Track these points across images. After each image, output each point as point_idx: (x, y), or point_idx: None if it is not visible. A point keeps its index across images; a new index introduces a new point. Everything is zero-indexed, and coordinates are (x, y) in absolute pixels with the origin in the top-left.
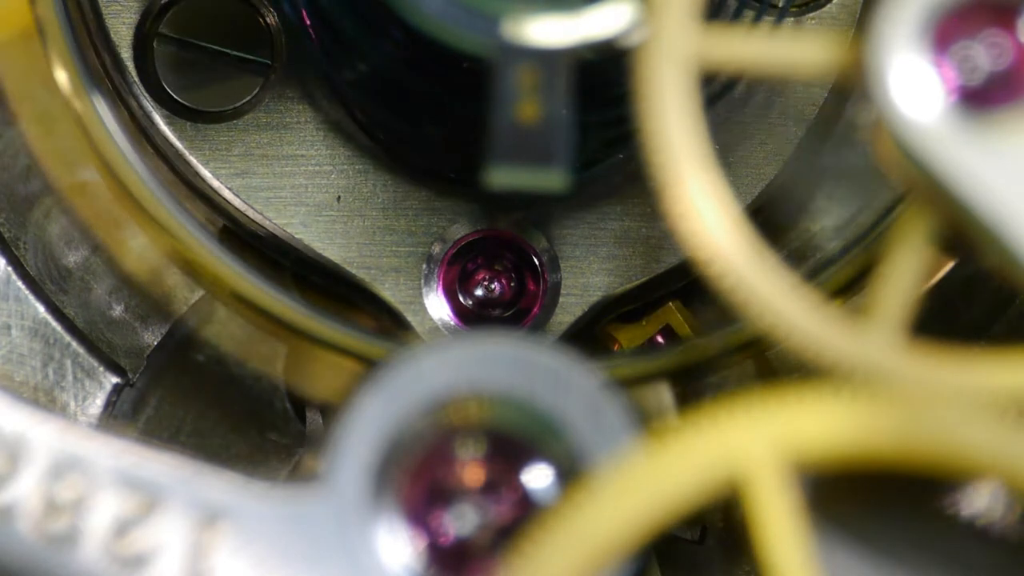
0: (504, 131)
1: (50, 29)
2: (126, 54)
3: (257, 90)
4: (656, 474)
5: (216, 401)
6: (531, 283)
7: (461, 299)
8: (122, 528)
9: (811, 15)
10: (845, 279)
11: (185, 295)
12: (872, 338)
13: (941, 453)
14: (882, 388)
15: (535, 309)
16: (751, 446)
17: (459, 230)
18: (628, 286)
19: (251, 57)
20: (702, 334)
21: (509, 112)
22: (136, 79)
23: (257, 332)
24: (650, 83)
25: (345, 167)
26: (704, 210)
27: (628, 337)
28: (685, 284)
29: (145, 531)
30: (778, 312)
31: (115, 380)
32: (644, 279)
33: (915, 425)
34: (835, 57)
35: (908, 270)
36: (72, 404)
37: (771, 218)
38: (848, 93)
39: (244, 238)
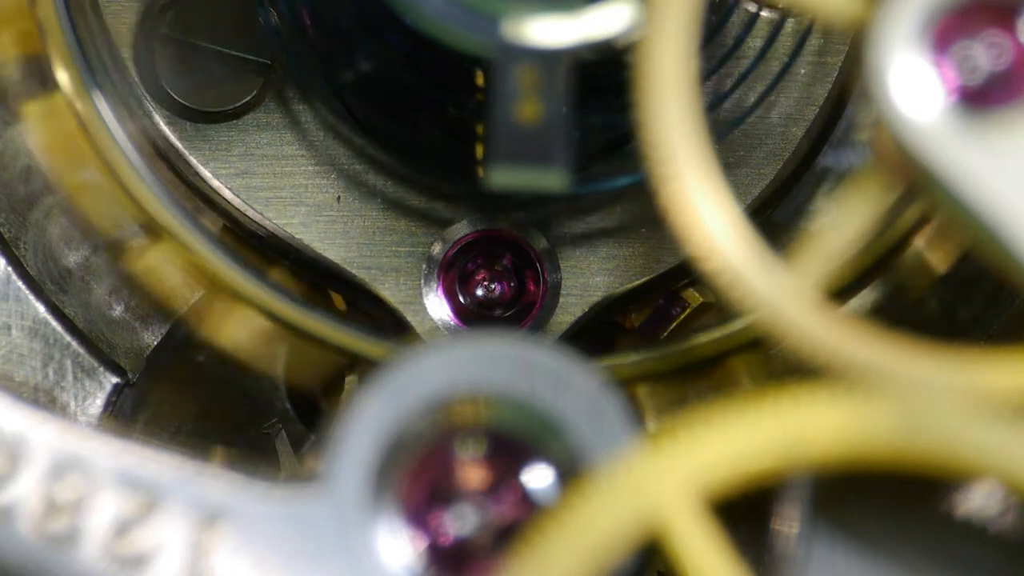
0: (504, 131)
1: (50, 29)
2: (126, 54)
3: (257, 90)
4: (571, 541)
5: (216, 401)
6: (531, 283)
7: (461, 299)
8: (122, 528)
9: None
10: (845, 279)
11: (185, 295)
12: (786, 283)
13: (845, 456)
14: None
15: (535, 309)
16: (660, 495)
17: (459, 230)
18: (628, 286)
19: (251, 57)
20: (702, 334)
21: (509, 112)
22: (136, 79)
23: (257, 332)
24: (651, 82)
25: (345, 167)
26: (703, 210)
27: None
28: (685, 283)
29: (145, 531)
30: (777, 311)
31: (115, 380)
32: (644, 279)
33: (810, 439)
34: (854, 10)
35: (847, 230)
36: (72, 404)
37: (771, 218)
38: (847, 94)
39: (244, 238)
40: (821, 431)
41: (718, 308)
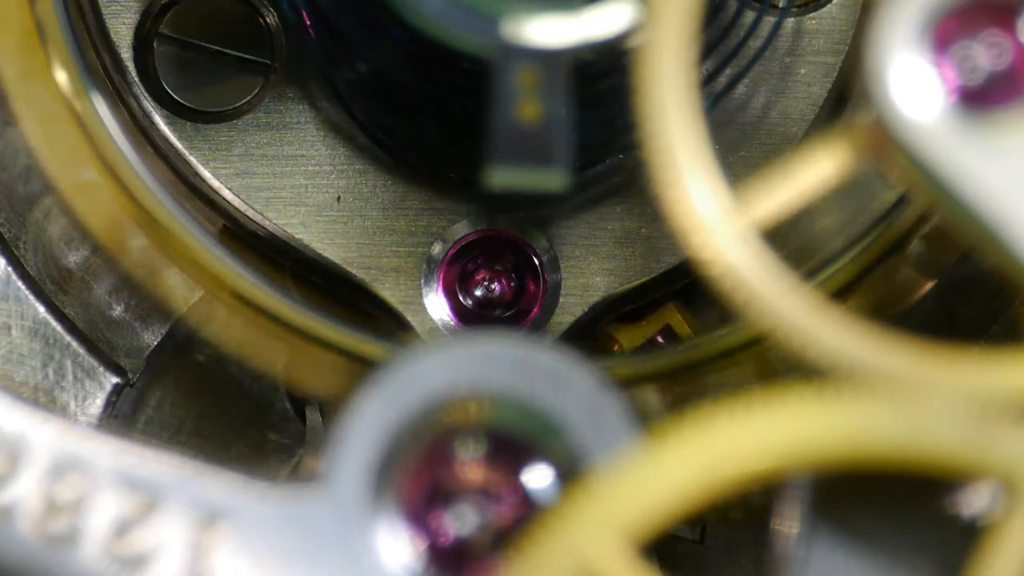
0: (504, 131)
1: (50, 29)
2: (126, 54)
3: (257, 90)
4: None
5: (216, 401)
6: (531, 283)
7: (461, 299)
8: (122, 528)
9: (811, 15)
10: (845, 279)
11: (185, 295)
12: (726, 213)
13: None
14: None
15: (535, 309)
16: (586, 547)
17: (459, 230)
18: (628, 286)
19: (251, 57)
20: (702, 334)
21: (509, 112)
22: (136, 79)
23: (257, 332)
24: (650, 83)
25: (345, 167)
26: (703, 210)
27: (628, 337)
28: (685, 284)
29: (145, 531)
30: (777, 311)
31: (115, 380)
32: (644, 279)
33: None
34: None
35: (803, 181)
36: (72, 404)
37: None
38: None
39: (244, 238)
40: (810, 433)
41: (718, 308)
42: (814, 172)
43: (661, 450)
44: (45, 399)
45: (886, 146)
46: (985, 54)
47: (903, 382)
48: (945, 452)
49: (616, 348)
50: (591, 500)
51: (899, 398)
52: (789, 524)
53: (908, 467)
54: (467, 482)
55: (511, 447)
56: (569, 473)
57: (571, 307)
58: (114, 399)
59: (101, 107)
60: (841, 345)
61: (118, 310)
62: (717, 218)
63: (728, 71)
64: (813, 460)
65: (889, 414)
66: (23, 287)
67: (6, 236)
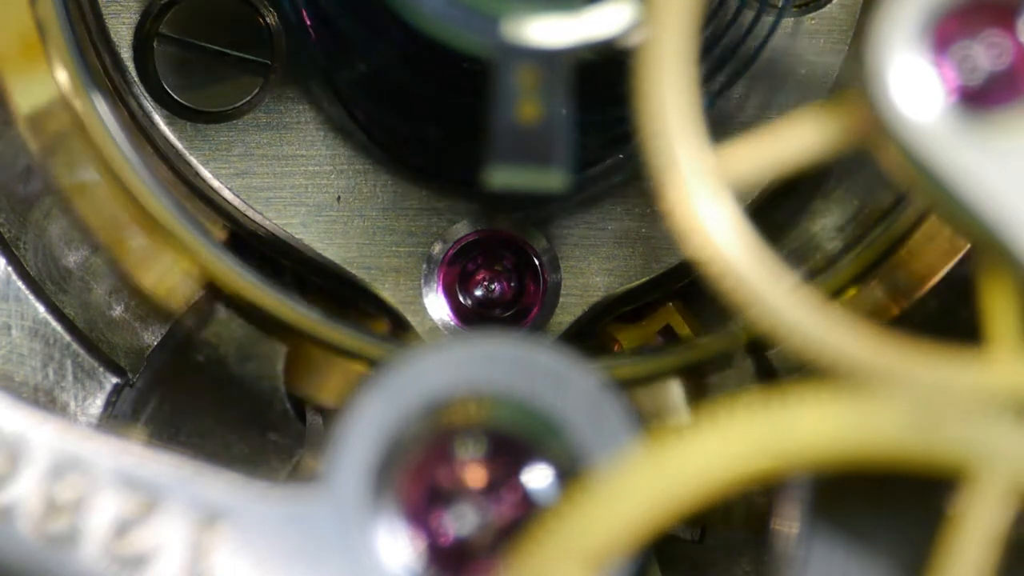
0: (504, 131)
1: (50, 29)
2: (126, 54)
3: (257, 90)
4: None
5: (216, 401)
6: (531, 283)
7: (461, 299)
8: (122, 528)
9: (811, 15)
10: (845, 279)
11: (185, 295)
12: (704, 175)
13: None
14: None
15: (535, 309)
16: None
17: (459, 230)
18: (628, 286)
19: (251, 57)
20: (702, 334)
21: (509, 112)
22: (136, 79)
23: (257, 332)
24: (650, 83)
25: (345, 167)
26: (704, 210)
27: (628, 337)
28: (685, 284)
29: (145, 531)
30: (777, 311)
31: (115, 380)
32: (644, 279)
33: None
34: None
35: (785, 146)
36: (72, 404)
37: (771, 218)
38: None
39: (244, 238)
40: (805, 438)
41: (718, 308)
42: (797, 138)
43: (622, 474)
44: (45, 399)
45: (881, 138)
46: (985, 54)
47: (903, 382)
48: (945, 452)
49: (616, 348)
50: (553, 531)
51: (899, 398)
52: (789, 524)
53: (907, 467)
54: (467, 482)
55: (511, 447)
56: (569, 473)
57: (571, 307)
58: (114, 399)
59: (101, 107)
60: (839, 345)
61: (118, 310)
62: (692, 168)
63: (727, 71)
64: (803, 463)
65: (884, 413)
66: (23, 287)
67: (6, 236)
